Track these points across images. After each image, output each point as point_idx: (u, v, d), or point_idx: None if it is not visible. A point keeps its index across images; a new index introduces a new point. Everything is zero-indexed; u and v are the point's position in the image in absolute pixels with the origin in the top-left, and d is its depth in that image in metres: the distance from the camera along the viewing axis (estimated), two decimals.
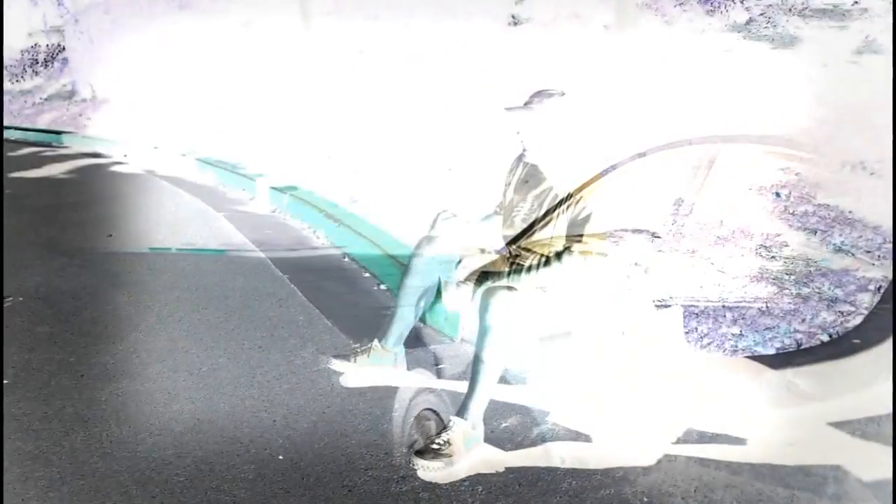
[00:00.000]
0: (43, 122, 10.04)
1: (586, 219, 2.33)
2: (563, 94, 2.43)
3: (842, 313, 2.81)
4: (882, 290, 2.95)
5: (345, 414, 2.44)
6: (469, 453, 2.18)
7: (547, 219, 2.41)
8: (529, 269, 2.34)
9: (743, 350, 2.63)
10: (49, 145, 8.75)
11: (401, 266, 3.31)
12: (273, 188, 5.46)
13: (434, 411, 2.45)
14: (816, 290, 2.99)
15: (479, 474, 2.11)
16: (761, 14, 6.33)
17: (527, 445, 2.25)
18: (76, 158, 7.66)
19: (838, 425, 2.25)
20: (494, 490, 2.04)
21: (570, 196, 2.36)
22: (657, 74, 5.31)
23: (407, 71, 6.98)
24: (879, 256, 3.25)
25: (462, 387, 2.33)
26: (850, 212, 3.63)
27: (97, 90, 10.32)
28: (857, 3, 6.08)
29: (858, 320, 2.75)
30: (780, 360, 2.52)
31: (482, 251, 2.62)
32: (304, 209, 4.94)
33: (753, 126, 4.41)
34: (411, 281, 2.62)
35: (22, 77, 12.57)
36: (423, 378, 2.68)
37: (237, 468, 2.15)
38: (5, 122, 9.88)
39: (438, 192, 4.66)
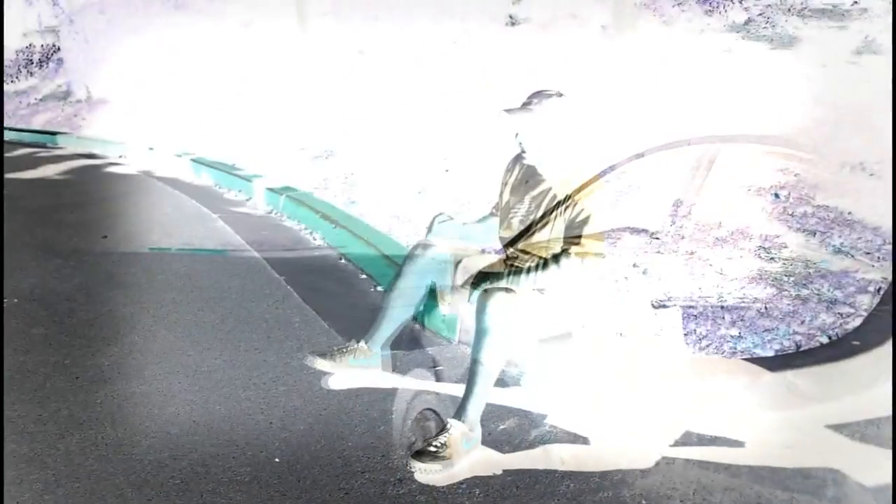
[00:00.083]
0: (38, 122, 9.99)
1: (584, 220, 2.32)
2: (562, 94, 2.42)
3: (841, 315, 2.80)
4: (881, 292, 2.95)
5: (341, 416, 2.43)
6: (467, 455, 2.17)
7: (545, 220, 2.40)
8: (527, 271, 2.33)
9: (742, 352, 2.62)
10: (44, 146, 8.71)
11: (397, 268, 3.30)
12: (270, 189, 5.45)
13: (433, 412, 2.44)
14: (816, 292, 2.98)
15: (476, 476, 2.11)
16: (760, 14, 6.33)
17: (525, 448, 2.24)
18: (71, 159, 7.62)
19: (837, 428, 2.25)
20: (492, 492, 2.03)
21: (568, 198, 2.35)
22: (655, 75, 5.30)
23: (405, 71, 6.96)
24: (879, 258, 3.25)
25: (459, 389, 2.32)
26: (849, 213, 3.62)
27: (92, 91, 10.27)
28: (856, 3, 6.07)
29: (858, 322, 2.75)
30: (779, 362, 2.51)
31: (482, 252, 2.61)
32: (300, 210, 4.93)
33: (752, 126, 4.40)
34: (402, 283, 2.61)
35: (17, 77, 12.49)
36: (418, 380, 2.67)
37: (233, 471, 2.14)
38: None
39: (436, 194, 4.65)
